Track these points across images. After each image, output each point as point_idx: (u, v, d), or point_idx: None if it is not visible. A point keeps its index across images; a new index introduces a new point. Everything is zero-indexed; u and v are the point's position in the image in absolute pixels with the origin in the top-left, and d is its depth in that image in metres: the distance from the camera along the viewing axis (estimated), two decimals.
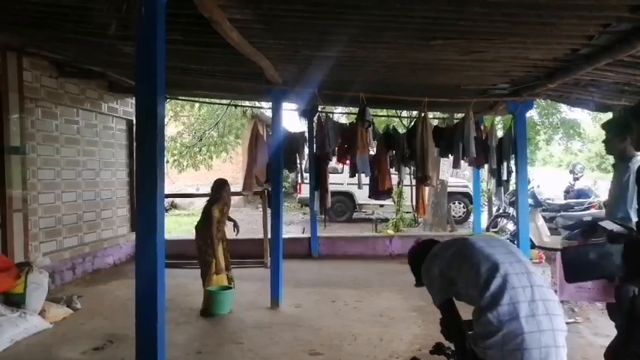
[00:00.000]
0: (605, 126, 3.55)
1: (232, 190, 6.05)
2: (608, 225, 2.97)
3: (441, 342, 2.52)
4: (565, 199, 10.72)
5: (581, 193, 10.61)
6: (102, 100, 7.54)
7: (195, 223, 5.74)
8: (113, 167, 8.02)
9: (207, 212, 5.54)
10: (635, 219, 3.11)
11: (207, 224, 5.46)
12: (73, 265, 6.87)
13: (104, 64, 6.40)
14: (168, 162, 13.22)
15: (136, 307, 2.90)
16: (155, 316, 2.86)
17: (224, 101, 10.56)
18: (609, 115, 5.28)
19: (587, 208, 9.10)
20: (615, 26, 3.49)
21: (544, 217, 8.70)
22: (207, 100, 10.02)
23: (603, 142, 3.55)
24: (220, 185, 5.66)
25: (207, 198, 5.77)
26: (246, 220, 14.41)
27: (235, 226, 6.09)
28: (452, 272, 2.24)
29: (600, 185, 13.56)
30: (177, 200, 16.17)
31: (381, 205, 12.83)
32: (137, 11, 2.81)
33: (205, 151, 13.62)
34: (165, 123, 13.72)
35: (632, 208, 3.15)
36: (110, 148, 7.95)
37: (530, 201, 7.60)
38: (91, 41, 4.74)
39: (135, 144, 3.29)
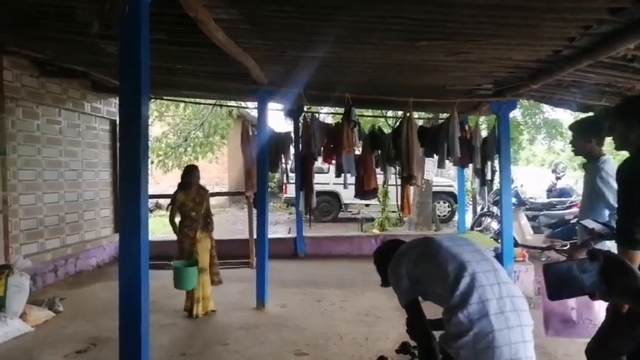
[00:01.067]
0: (572, 127, 3.60)
1: (221, 190, 6.00)
2: (590, 224, 3.01)
3: (407, 341, 2.52)
4: (548, 198, 10.89)
5: (564, 192, 10.79)
6: (85, 99, 7.43)
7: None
8: (96, 168, 7.92)
9: (173, 196, 5.52)
10: (607, 218, 3.18)
11: (171, 208, 5.45)
12: (55, 267, 6.77)
13: (87, 64, 6.31)
14: (153, 162, 13.10)
15: (120, 309, 2.87)
16: (139, 318, 2.84)
17: (209, 101, 10.50)
18: (590, 115, 5.37)
19: (569, 207, 9.24)
20: (596, 28, 3.55)
21: (527, 216, 8.82)
22: (192, 100, 9.95)
23: (570, 142, 3.59)
24: (186, 171, 5.54)
25: None
26: (232, 221, 14.38)
27: (207, 225, 5.55)
28: (418, 271, 2.24)
29: (582, 184, 13.76)
30: (161, 201, 16.02)
31: (367, 205, 12.88)
32: (120, 10, 2.78)
33: (191, 152, 13.52)
34: (150, 123, 13.61)
35: (607, 207, 3.20)
36: (93, 149, 7.84)
37: (513, 200, 7.70)
38: (73, 40, 4.67)
39: (118, 144, 3.25)
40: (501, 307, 2.00)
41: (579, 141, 3.42)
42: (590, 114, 5.53)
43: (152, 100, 8.74)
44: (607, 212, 3.20)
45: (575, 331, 3.19)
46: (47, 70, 6.32)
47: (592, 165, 3.37)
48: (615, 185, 2.65)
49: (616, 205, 2.62)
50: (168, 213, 5.47)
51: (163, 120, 14.26)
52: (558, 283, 1.13)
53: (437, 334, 2.23)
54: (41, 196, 6.60)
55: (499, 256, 6.37)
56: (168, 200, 5.77)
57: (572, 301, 3.11)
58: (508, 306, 2.01)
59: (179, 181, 5.54)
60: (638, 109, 2.56)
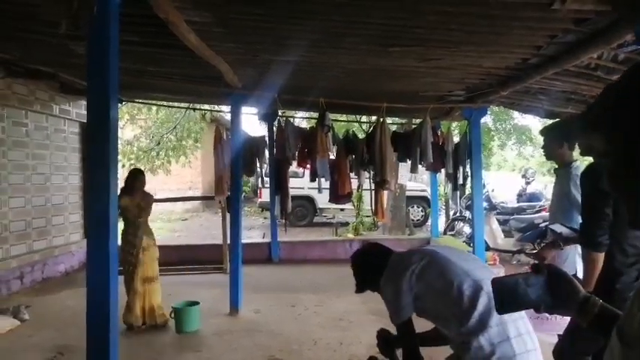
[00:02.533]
0: (543, 132, 3.64)
1: (195, 194, 5.90)
2: (558, 228, 3.09)
3: (375, 356, 2.47)
4: (518, 202, 11.13)
5: (533, 197, 11.04)
6: (53, 101, 7.25)
7: (153, 228, 5.56)
8: (65, 172, 7.72)
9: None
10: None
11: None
12: (21, 273, 6.56)
13: (54, 65, 6.15)
14: (124, 166, 12.84)
15: (87, 317, 2.80)
16: (107, 326, 2.76)
17: (182, 105, 10.38)
18: (560, 120, 5.51)
19: (539, 211, 9.47)
20: (561, 37, 3.66)
21: (498, 220, 8.99)
22: (164, 103, 9.82)
23: (542, 147, 3.63)
24: (131, 175, 5.29)
25: (164, 203, 5.62)
26: (205, 226, 14.21)
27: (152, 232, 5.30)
28: (420, 287, 2.09)
29: (551, 189, 14.11)
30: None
31: (342, 209, 12.92)
32: (89, 10, 2.72)
33: (163, 156, 13.31)
34: (121, 126, 13.36)
35: (579, 212, 3.28)
36: (62, 152, 7.65)
37: (485, 204, 7.84)
38: (40, 40, 4.55)
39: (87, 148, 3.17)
40: (518, 330, 1.92)
41: (550, 145, 3.47)
42: (558, 120, 5.68)
43: (123, 103, 8.57)
44: (579, 217, 3.28)
45: (546, 327, 3.26)
46: (13, 70, 6.12)
47: (564, 171, 3.42)
48: None
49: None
50: None
51: (135, 123, 14.00)
52: (505, 298, 1.14)
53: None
54: (6, 200, 6.39)
55: None
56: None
57: None
58: (522, 328, 1.94)
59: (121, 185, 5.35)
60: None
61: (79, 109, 7.83)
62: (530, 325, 2.00)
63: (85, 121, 7.92)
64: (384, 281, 2.22)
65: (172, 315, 5.04)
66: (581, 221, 2.65)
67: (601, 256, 2.49)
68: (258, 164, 7.23)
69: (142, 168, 13.15)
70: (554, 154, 3.47)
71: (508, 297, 1.14)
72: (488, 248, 7.51)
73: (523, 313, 1.94)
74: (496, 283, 1.16)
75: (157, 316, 5.17)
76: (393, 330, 2.34)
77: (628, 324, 0.78)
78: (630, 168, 0.80)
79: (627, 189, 0.83)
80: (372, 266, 2.31)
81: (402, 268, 2.16)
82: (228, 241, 6.53)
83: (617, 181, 0.85)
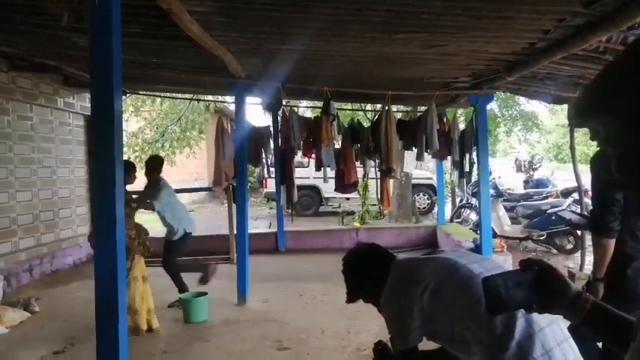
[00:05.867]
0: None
1: (199, 186, 5.91)
2: (567, 215, 3.07)
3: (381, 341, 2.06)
4: (525, 189, 11.08)
5: (540, 183, 11.00)
6: (57, 95, 7.25)
7: (157, 221, 5.59)
8: (71, 165, 7.74)
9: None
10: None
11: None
12: (30, 266, 6.61)
13: (58, 58, 6.13)
14: (129, 158, 12.88)
15: (96, 307, 2.81)
16: (116, 317, 2.78)
17: (186, 96, 10.36)
18: (564, 107, 5.46)
19: (546, 198, 9.42)
20: (570, 21, 3.60)
21: (505, 207, 8.95)
22: (168, 94, 9.80)
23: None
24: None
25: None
26: (211, 217, 14.24)
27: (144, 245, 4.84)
28: (435, 306, 1.70)
29: (557, 175, 14.06)
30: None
31: (347, 199, 12.90)
32: (91, 2, 2.70)
33: (168, 147, 13.33)
34: (126, 118, 13.40)
35: None
36: (68, 145, 7.66)
37: (491, 191, 7.80)
38: (44, 33, 4.53)
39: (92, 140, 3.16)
40: (565, 355, 1.53)
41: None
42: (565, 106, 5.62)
43: (127, 95, 8.57)
44: None
45: None
46: (17, 64, 6.13)
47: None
48: None
49: None
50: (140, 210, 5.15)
51: (139, 115, 14.01)
52: (494, 298, 1.07)
53: None
54: (14, 194, 6.43)
55: (478, 247, 6.46)
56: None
57: None
58: (571, 354, 1.56)
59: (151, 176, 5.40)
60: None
61: (83, 102, 7.83)
62: (577, 348, 1.61)
63: (90, 113, 7.94)
64: (387, 297, 1.83)
65: (180, 305, 5.07)
66: (591, 207, 2.62)
67: (612, 242, 2.47)
68: (263, 154, 7.21)
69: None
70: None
71: (496, 297, 1.07)
72: (495, 235, 7.48)
73: (567, 332, 1.64)
74: (486, 281, 1.09)
75: (150, 321, 4.77)
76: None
77: None
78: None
79: (636, 178, 0.77)
80: (368, 273, 1.96)
81: (411, 282, 1.76)
82: (235, 232, 6.53)
83: (626, 170, 0.78)
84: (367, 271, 1.98)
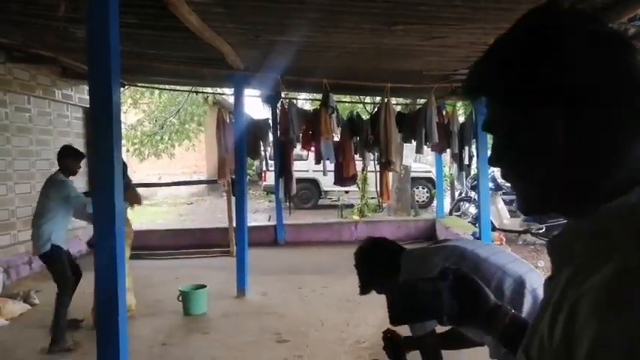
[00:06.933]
0: None
1: (198, 179, 5.87)
2: None
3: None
4: None
5: None
6: (55, 86, 7.21)
7: (159, 212, 5.58)
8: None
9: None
10: None
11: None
12: (29, 259, 6.60)
13: (55, 49, 6.09)
14: (128, 151, 12.85)
15: (96, 301, 2.82)
16: (116, 309, 2.78)
17: (185, 88, 10.32)
18: None
19: None
20: None
21: (504, 200, 8.95)
22: (167, 86, 9.76)
23: None
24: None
25: (170, 187, 5.63)
26: (211, 209, 14.25)
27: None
28: None
29: None
30: (138, 190, 15.77)
31: (346, 192, 12.90)
32: None
33: (167, 140, 13.30)
34: (125, 111, 13.33)
35: None
36: (66, 137, 7.63)
37: (490, 184, 7.80)
38: (40, 24, 4.50)
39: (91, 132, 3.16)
40: None
41: None
42: None
43: (126, 87, 8.53)
44: None
45: None
46: (14, 55, 6.09)
47: None
48: None
49: None
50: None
51: (138, 107, 13.97)
52: (403, 305, 0.97)
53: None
54: (12, 186, 6.42)
55: None
56: (146, 190, 5.61)
57: None
58: None
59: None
60: None
61: (81, 94, 7.79)
62: None
63: (88, 105, 7.90)
64: (407, 284, 1.96)
65: (180, 298, 5.08)
66: None
67: None
68: (262, 147, 7.20)
69: (146, 152, 13.22)
70: None
71: (406, 305, 0.97)
72: (494, 229, 7.49)
73: None
74: (390, 289, 1.01)
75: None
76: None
77: (533, 344, 0.62)
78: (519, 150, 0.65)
79: (505, 166, 0.69)
80: (381, 265, 2.04)
81: (423, 271, 1.80)
82: (234, 224, 6.54)
83: (495, 159, 0.70)
84: (379, 264, 2.05)
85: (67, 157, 4.53)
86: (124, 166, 4.85)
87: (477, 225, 7.12)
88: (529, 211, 0.71)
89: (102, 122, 2.77)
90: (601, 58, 0.60)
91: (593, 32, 0.61)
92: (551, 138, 0.61)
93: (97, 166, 2.85)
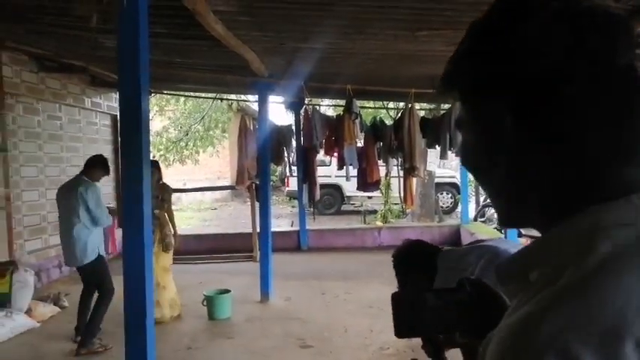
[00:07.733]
0: None
1: (224, 184, 5.94)
2: None
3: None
4: None
5: None
6: (84, 95, 7.41)
7: (183, 218, 5.67)
8: None
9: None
10: None
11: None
12: (59, 262, 6.76)
13: (86, 59, 6.27)
14: (154, 157, 13.10)
15: (124, 303, 2.87)
16: (144, 313, 2.83)
17: (210, 95, 10.48)
18: None
19: None
20: None
21: None
22: (192, 94, 9.92)
23: None
24: None
25: (194, 193, 5.70)
26: (234, 215, 14.38)
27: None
28: None
29: None
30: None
31: (370, 197, 12.84)
32: (119, 3, 2.75)
33: (192, 146, 13.51)
34: (151, 118, 13.56)
35: None
36: (95, 144, 7.82)
37: None
38: (72, 35, 4.65)
39: (120, 139, 3.23)
40: None
41: None
42: None
43: (152, 95, 8.71)
44: None
45: None
46: (46, 65, 6.29)
47: None
48: None
49: None
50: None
51: (164, 114, 14.24)
52: (407, 318, 0.90)
53: None
54: (44, 192, 6.60)
55: None
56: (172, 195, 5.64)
57: None
58: None
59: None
60: None
61: (109, 102, 7.99)
62: None
63: (116, 113, 8.09)
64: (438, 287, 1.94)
65: (204, 302, 5.14)
66: None
67: None
68: (285, 153, 7.25)
69: (172, 158, 13.45)
70: None
71: (412, 316, 0.89)
72: (520, 235, 7.35)
73: None
74: (395, 299, 0.92)
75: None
76: None
77: None
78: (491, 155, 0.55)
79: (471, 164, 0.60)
80: (418, 267, 2.06)
81: (458, 270, 1.82)
82: (258, 230, 6.59)
83: (462, 158, 0.61)
84: (415, 264, 2.07)
85: (97, 167, 4.63)
86: (159, 180, 5.00)
87: (502, 231, 7.00)
88: (500, 222, 0.61)
89: (131, 129, 2.84)
90: (564, 41, 0.49)
91: (558, 11, 0.50)
92: (499, 136, 0.52)
93: (126, 172, 2.92)
